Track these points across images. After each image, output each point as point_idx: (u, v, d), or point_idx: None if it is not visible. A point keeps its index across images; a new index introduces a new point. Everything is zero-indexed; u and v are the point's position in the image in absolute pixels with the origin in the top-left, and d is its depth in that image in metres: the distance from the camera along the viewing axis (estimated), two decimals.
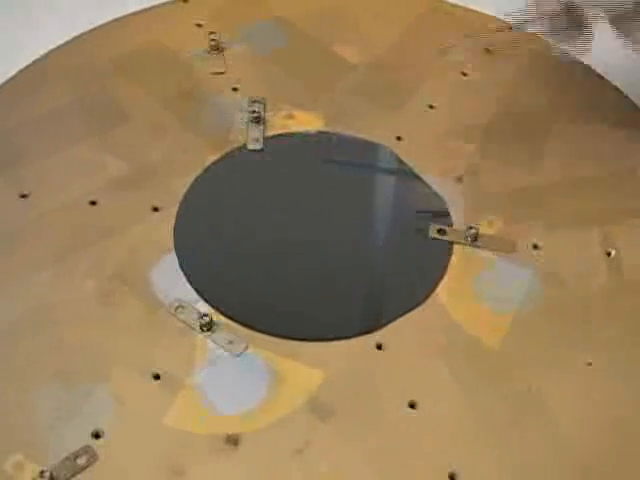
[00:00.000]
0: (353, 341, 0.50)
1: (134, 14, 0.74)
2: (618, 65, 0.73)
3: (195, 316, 0.50)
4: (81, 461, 0.43)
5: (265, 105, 0.65)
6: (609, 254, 0.56)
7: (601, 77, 0.70)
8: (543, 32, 0.46)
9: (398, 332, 0.51)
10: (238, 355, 0.49)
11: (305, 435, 0.46)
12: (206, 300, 0.52)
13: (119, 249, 0.54)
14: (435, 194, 0.60)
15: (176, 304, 0.51)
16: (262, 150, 0.62)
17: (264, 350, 0.49)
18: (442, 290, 0.53)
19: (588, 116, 0.66)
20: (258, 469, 0.45)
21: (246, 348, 0.49)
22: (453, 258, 0.56)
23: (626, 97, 0.68)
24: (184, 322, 0.50)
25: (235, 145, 0.62)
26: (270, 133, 0.63)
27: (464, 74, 0.70)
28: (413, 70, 0.70)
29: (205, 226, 0.58)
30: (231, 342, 0.49)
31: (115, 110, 0.64)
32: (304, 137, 0.64)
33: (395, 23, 0.74)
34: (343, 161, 0.63)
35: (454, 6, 0.77)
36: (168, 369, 0.48)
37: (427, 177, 0.61)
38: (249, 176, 0.61)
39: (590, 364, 0.50)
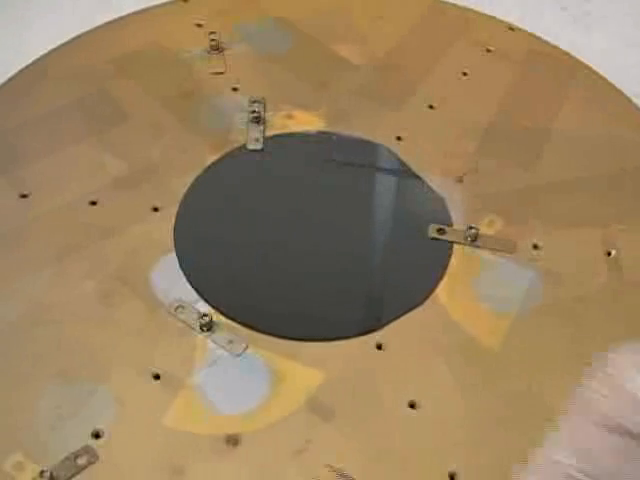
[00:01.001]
0: (353, 341, 0.50)
1: (134, 14, 0.74)
2: (618, 65, 0.73)
3: (195, 316, 0.50)
4: (81, 461, 0.43)
5: (265, 105, 0.65)
6: (609, 254, 0.56)
7: (601, 77, 0.70)
8: None
9: (398, 332, 0.51)
10: (238, 355, 0.49)
11: (305, 435, 0.46)
12: (206, 300, 0.52)
13: (119, 249, 0.54)
14: (435, 194, 0.60)
15: (176, 304, 0.51)
16: (262, 150, 0.62)
17: (264, 350, 0.49)
18: (442, 290, 0.53)
19: (588, 116, 0.66)
20: (258, 469, 0.44)
21: (246, 348, 0.49)
22: (453, 258, 0.56)
23: (626, 97, 0.68)
24: (184, 322, 0.50)
25: (235, 145, 0.62)
26: (270, 133, 0.63)
27: (464, 74, 0.70)
28: (413, 70, 0.70)
29: (205, 226, 0.58)
30: (231, 342, 0.49)
31: (115, 110, 0.64)
32: (304, 137, 0.64)
33: (395, 23, 0.74)
34: (343, 161, 0.63)
35: (454, 6, 0.77)
36: (168, 369, 0.48)
37: (427, 177, 0.61)
38: (249, 176, 0.61)
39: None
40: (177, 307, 0.51)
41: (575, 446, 0.29)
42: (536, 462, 0.30)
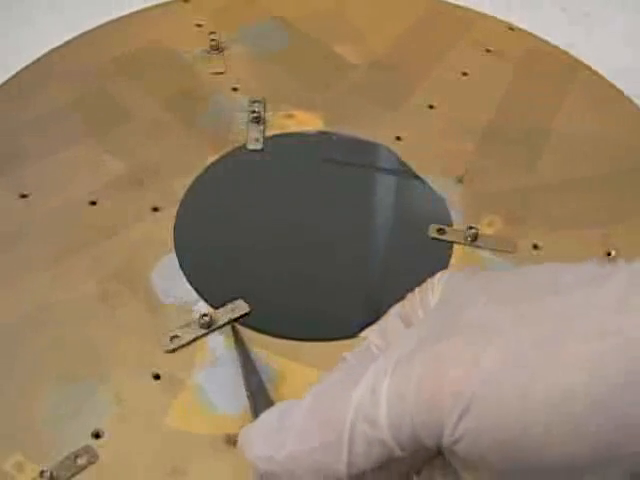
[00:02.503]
0: (353, 341, 0.50)
1: (134, 14, 0.74)
2: (618, 65, 0.73)
3: (195, 316, 0.50)
4: (81, 461, 0.43)
5: (265, 105, 0.65)
6: (609, 254, 0.56)
7: (601, 77, 0.70)
8: None
9: None
10: (247, 314, 0.50)
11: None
12: (206, 300, 0.52)
13: (119, 249, 0.54)
14: (435, 194, 0.60)
15: (176, 304, 0.51)
16: (262, 150, 0.62)
17: (264, 350, 0.49)
18: None
19: (588, 116, 0.66)
20: None
21: (248, 309, 0.50)
22: (453, 258, 0.56)
23: (626, 97, 0.68)
24: (184, 322, 0.50)
25: (235, 145, 0.62)
26: (270, 133, 0.64)
27: (464, 74, 0.70)
28: (413, 70, 0.70)
29: (205, 226, 0.58)
30: (233, 310, 0.50)
31: (115, 110, 0.64)
32: (304, 137, 0.64)
33: (395, 23, 0.75)
34: (343, 161, 0.63)
35: (454, 6, 0.77)
36: (168, 369, 0.48)
37: (427, 177, 0.61)
38: (249, 176, 0.61)
39: None
40: (177, 307, 0.51)
41: (379, 328, 0.37)
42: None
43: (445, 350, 0.28)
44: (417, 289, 0.38)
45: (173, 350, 0.49)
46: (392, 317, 0.37)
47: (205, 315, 0.50)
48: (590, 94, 0.68)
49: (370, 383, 0.30)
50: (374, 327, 0.38)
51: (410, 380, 0.28)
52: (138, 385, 0.47)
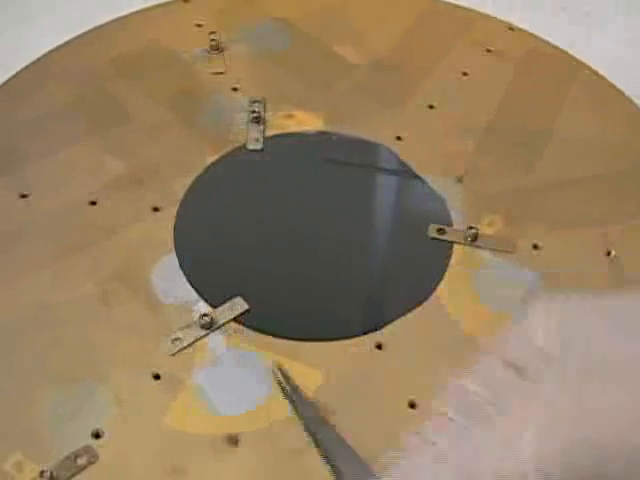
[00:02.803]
0: (353, 341, 0.50)
1: (134, 14, 0.74)
2: (618, 65, 0.73)
3: (195, 316, 0.50)
4: (81, 461, 0.43)
5: (265, 105, 0.65)
6: (609, 254, 0.56)
7: (601, 77, 0.70)
8: None
9: (398, 332, 0.51)
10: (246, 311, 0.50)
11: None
12: (206, 300, 0.52)
13: (119, 249, 0.54)
14: (435, 194, 0.60)
15: (176, 304, 0.51)
16: (262, 150, 0.62)
17: (264, 350, 0.49)
18: (442, 290, 0.53)
19: (588, 116, 0.66)
20: (258, 469, 0.45)
21: (247, 307, 0.50)
22: (453, 258, 0.56)
23: (626, 97, 0.68)
24: (184, 323, 0.50)
25: (235, 145, 0.62)
26: (270, 133, 0.63)
27: (464, 74, 0.70)
28: (413, 70, 0.70)
29: (205, 226, 0.58)
30: (232, 308, 0.51)
31: (115, 110, 0.64)
32: (304, 137, 0.64)
33: (395, 23, 0.75)
34: (343, 161, 0.63)
35: (454, 6, 0.77)
36: (168, 369, 0.48)
37: (427, 177, 0.61)
38: (249, 176, 0.61)
39: None
40: (177, 307, 0.51)
41: (480, 377, 0.33)
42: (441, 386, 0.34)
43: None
44: (510, 329, 0.34)
45: (175, 353, 0.49)
46: (493, 363, 0.34)
47: (205, 315, 0.50)
48: (590, 94, 0.68)
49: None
50: (467, 373, 0.34)
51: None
52: (138, 385, 0.47)
